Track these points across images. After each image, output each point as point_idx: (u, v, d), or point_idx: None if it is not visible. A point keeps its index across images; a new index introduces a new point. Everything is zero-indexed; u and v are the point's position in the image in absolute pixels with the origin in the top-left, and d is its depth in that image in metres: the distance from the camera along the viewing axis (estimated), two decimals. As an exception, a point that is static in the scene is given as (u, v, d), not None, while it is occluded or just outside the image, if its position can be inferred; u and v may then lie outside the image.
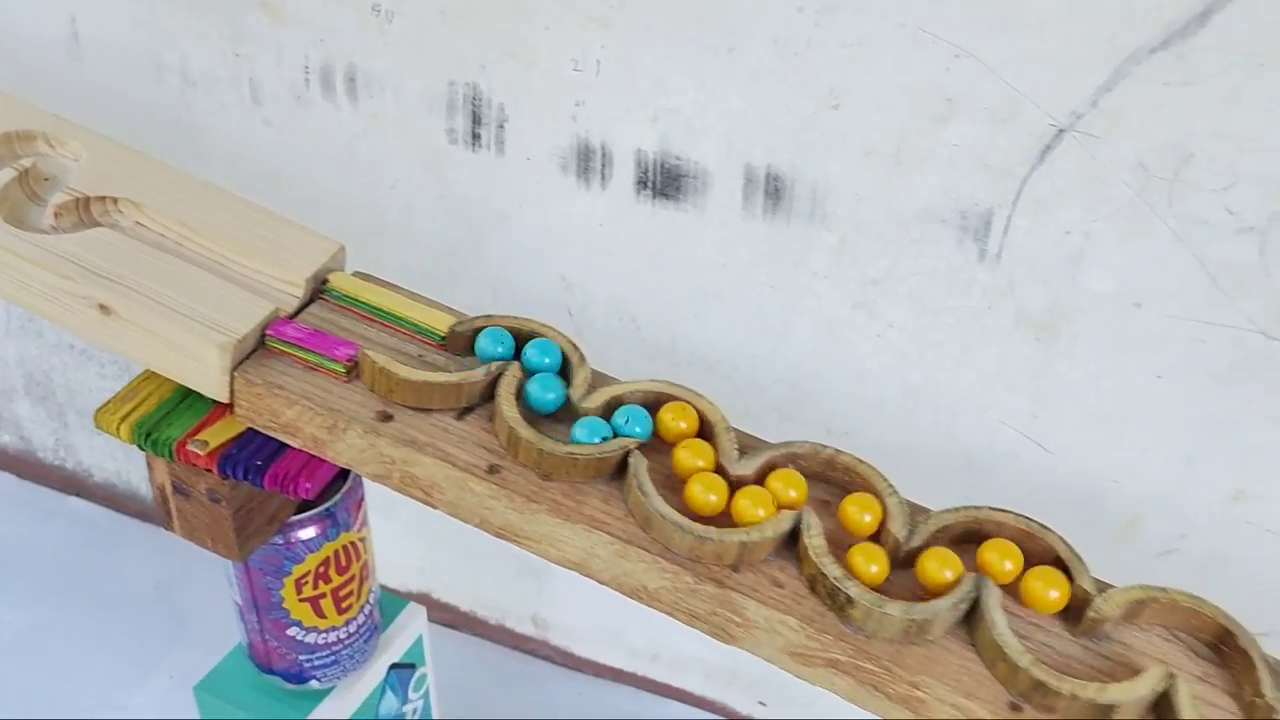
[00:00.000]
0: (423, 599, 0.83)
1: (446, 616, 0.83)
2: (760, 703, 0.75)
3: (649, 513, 0.39)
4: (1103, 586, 0.39)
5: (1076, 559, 0.39)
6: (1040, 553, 0.40)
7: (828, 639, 0.38)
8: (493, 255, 0.62)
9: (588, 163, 0.57)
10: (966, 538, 0.41)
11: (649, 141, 0.55)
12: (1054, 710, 0.36)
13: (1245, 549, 0.54)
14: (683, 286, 0.59)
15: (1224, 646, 0.38)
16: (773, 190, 0.54)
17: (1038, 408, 0.55)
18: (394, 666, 0.59)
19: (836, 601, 0.38)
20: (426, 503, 0.42)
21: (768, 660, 0.40)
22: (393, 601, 0.60)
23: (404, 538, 0.80)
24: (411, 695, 0.61)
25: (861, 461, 0.42)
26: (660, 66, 0.53)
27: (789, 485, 0.40)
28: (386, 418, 0.41)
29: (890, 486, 0.41)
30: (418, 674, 0.61)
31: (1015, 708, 0.36)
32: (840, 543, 0.40)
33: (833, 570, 0.38)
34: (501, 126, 0.58)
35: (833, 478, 0.42)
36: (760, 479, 0.41)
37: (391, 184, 0.62)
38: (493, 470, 0.40)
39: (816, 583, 0.38)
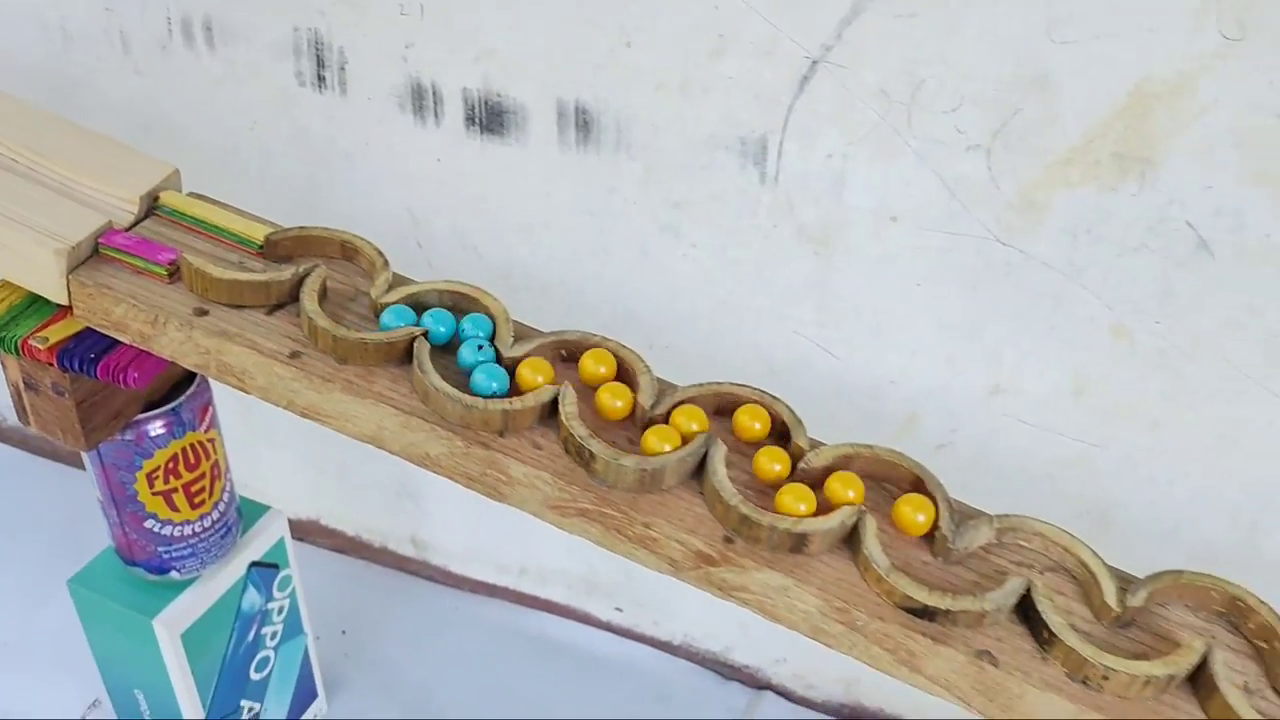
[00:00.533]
0: (312, 526, 0.89)
1: (335, 542, 0.89)
2: (616, 609, 0.81)
3: (426, 388, 0.45)
4: (817, 444, 0.45)
5: (797, 422, 0.46)
6: (772, 419, 0.46)
7: (576, 490, 0.44)
8: (344, 192, 0.68)
9: (421, 102, 0.63)
10: (720, 411, 0.47)
11: (473, 80, 0.61)
12: (759, 540, 0.42)
13: (1005, 439, 0.61)
14: (514, 215, 0.65)
15: (917, 492, 0.45)
16: (583, 124, 0.60)
17: (823, 317, 0.61)
18: (255, 565, 0.65)
19: (583, 458, 0.44)
20: (241, 388, 0.48)
21: (534, 515, 0.46)
22: (254, 507, 0.66)
23: (293, 467, 0.86)
24: (276, 594, 0.67)
25: (625, 347, 0.48)
26: (478, 10, 0.58)
27: (537, 371, 0.46)
28: (202, 313, 0.47)
29: (646, 366, 0.47)
30: (281, 575, 0.67)
31: (728, 540, 0.43)
32: (599, 422, 0.46)
33: (579, 430, 0.44)
34: (343, 69, 0.63)
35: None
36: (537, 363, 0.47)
37: (250, 126, 0.68)
38: (294, 355, 0.46)
39: (569, 444, 0.44)
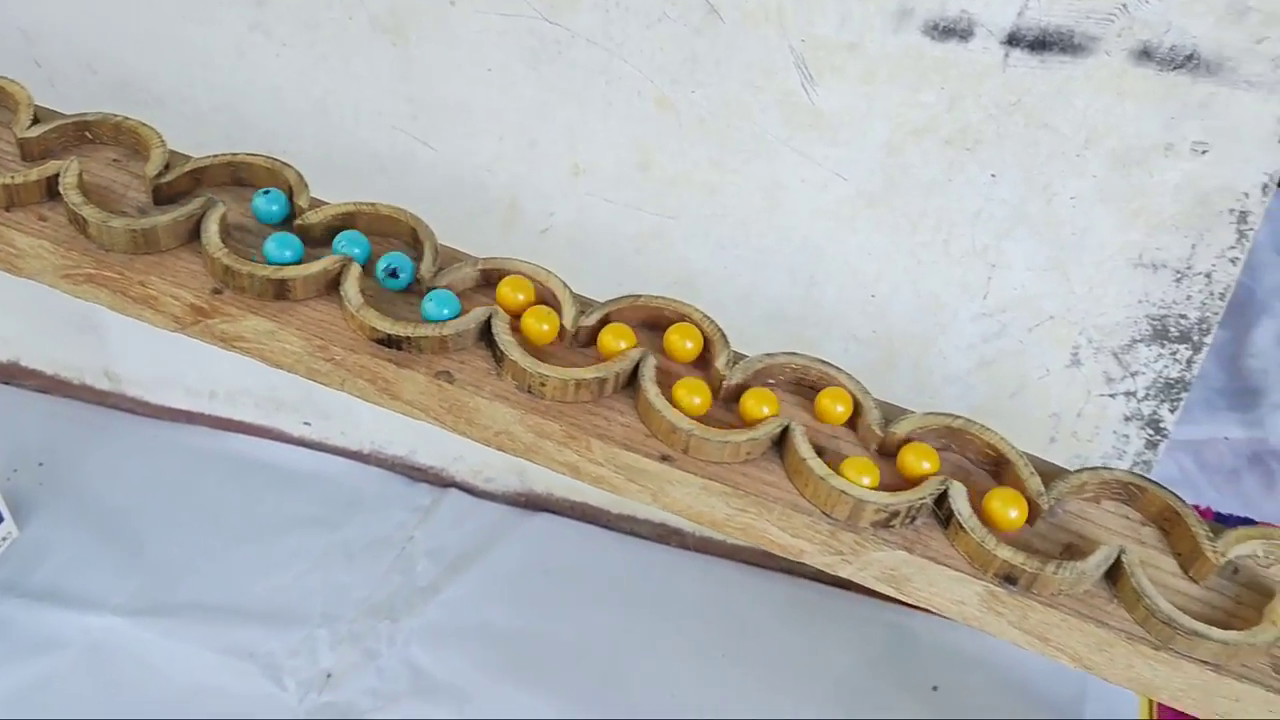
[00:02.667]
0: (14, 368, 0.89)
1: (39, 382, 0.90)
2: (305, 423, 0.84)
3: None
4: (319, 203, 0.48)
5: (301, 183, 0.49)
6: (278, 180, 0.49)
7: (77, 255, 0.46)
8: (-54, 9, 0.67)
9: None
10: (236, 181, 0.50)
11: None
12: (244, 289, 0.45)
13: (594, 218, 0.65)
14: (127, 29, 0.65)
15: (415, 243, 0.48)
16: (155, -77, 0.60)
17: (415, 109, 0.63)
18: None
19: (80, 225, 0.46)
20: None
21: (51, 285, 0.48)
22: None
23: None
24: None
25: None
26: None
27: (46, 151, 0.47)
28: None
29: (160, 140, 0.49)
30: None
31: (217, 291, 0.45)
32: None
33: (74, 199, 0.46)
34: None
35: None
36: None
37: None
38: None
39: (69, 213, 0.46)
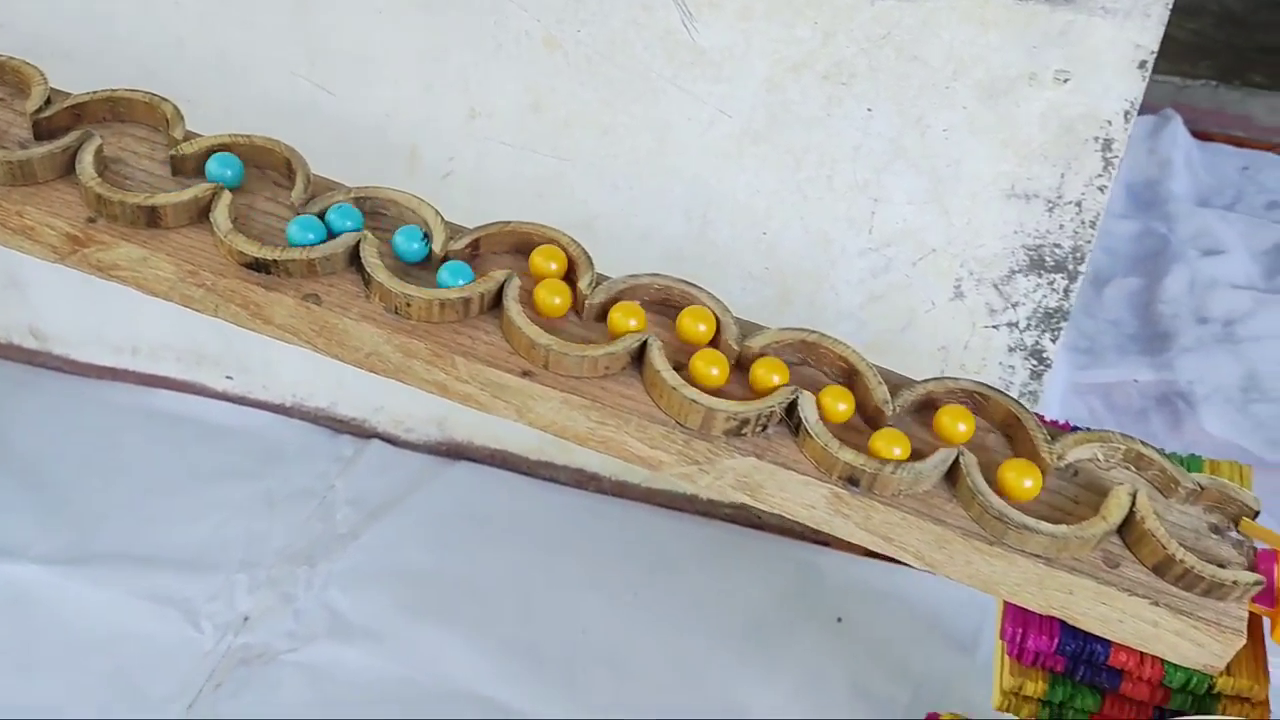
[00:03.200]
0: (-60, 331, 0.90)
1: (-35, 345, 0.90)
2: (227, 377, 0.85)
3: None
4: (191, 135, 0.49)
5: (178, 114, 0.50)
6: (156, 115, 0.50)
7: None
8: None
9: None
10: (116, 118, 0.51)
11: None
12: (117, 218, 0.46)
13: (493, 161, 0.66)
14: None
15: (290, 173, 0.49)
16: None
17: (313, 56, 0.64)
18: None
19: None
20: None
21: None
22: None
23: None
24: None
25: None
26: None
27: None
28: None
29: (42, 77, 0.50)
30: None
31: (91, 220, 0.47)
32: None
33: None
34: None
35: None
36: None
37: None
38: None
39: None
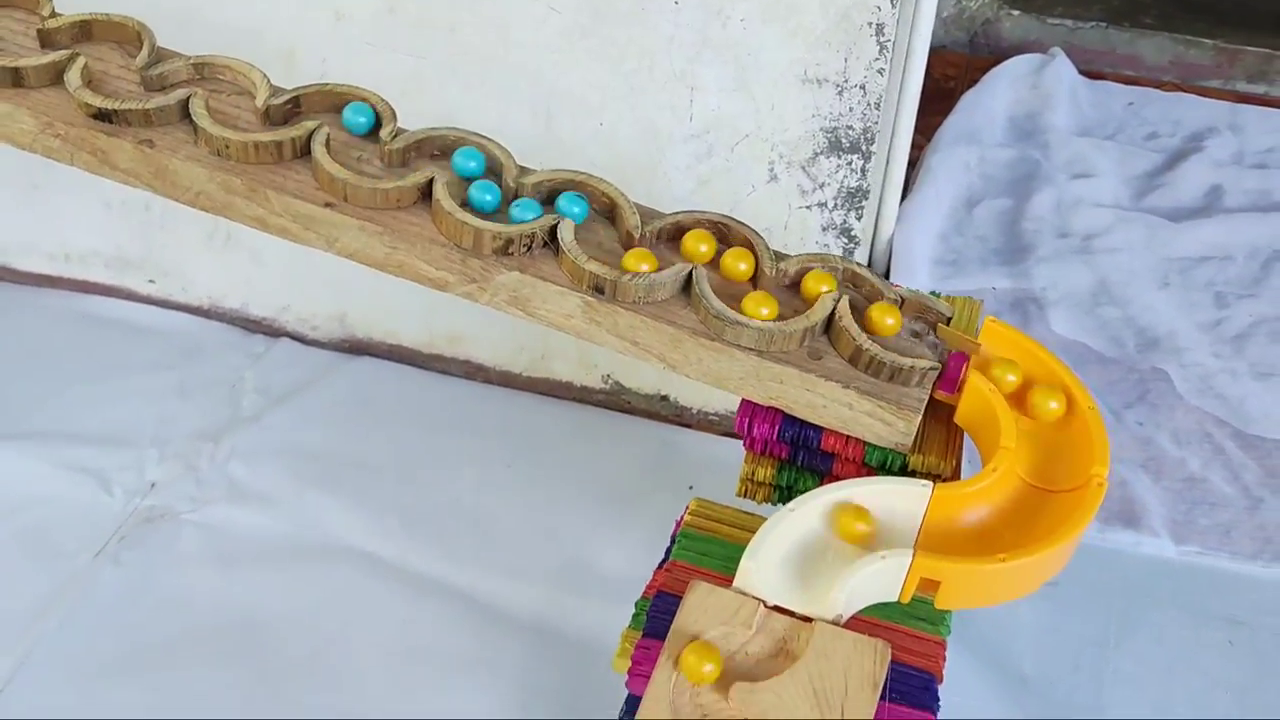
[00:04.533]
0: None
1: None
2: (150, 280, 0.93)
3: None
4: (56, 13, 0.57)
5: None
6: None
7: None
8: None
9: None
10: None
11: None
12: (-14, 78, 0.54)
13: (361, 62, 0.73)
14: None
15: (139, 44, 0.57)
16: None
17: (197, -33, 0.72)
18: None
19: None
20: None
21: None
22: None
23: None
24: None
25: None
26: None
27: None
28: None
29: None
30: None
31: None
32: None
33: None
34: None
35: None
36: None
37: None
38: None
39: None
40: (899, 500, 0.47)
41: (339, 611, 0.74)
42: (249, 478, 0.82)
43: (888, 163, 0.85)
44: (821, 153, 0.69)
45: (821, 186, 0.70)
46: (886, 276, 0.95)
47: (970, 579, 0.45)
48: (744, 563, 0.45)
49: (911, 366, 0.49)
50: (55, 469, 0.81)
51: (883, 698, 0.45)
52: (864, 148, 0.68)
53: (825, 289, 0.51)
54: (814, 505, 0.47)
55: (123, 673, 0.70)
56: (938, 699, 0.47)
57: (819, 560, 0.46)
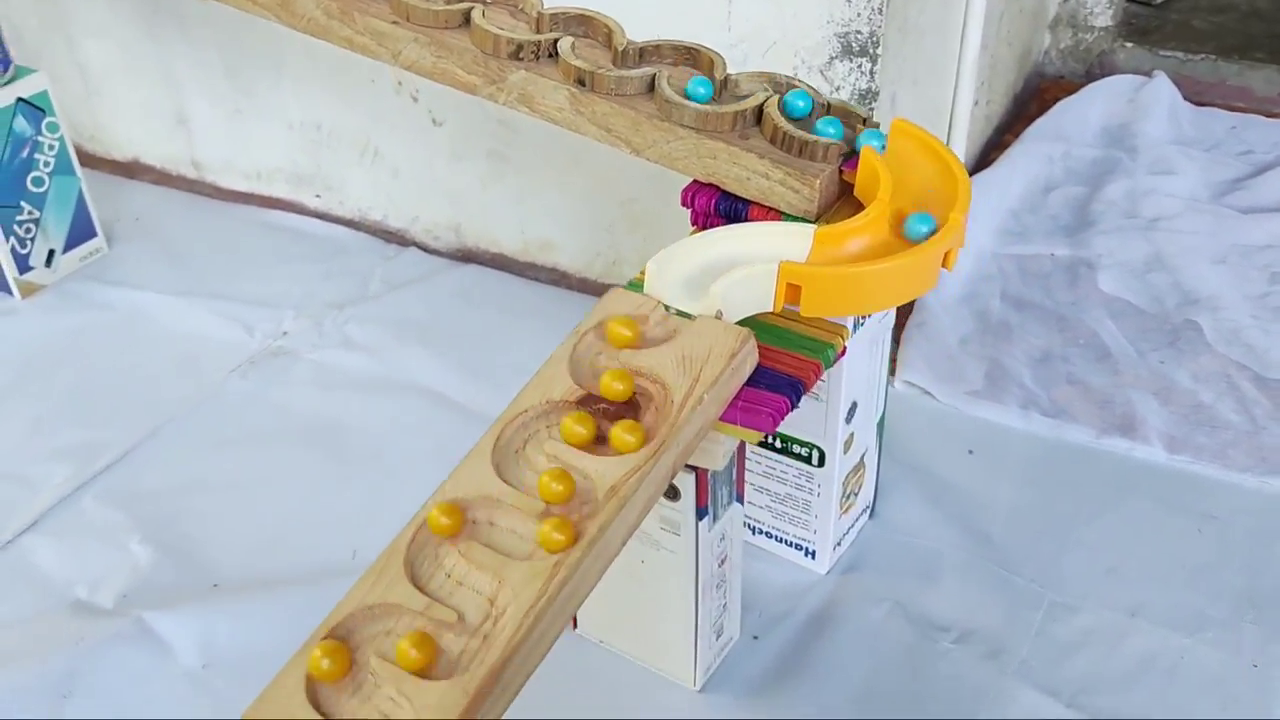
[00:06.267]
0: (133, 165, 1.23)
1: (150, 176, 1.23)
2: (316, 195, 1.13)
3: None
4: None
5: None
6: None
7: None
8: None
9: None
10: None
11: None
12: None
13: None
14: None
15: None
16: None
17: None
18: (22, 100, 0.99)
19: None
20: None
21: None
22: (25, 69, 1.00)
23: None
24: (45, 134, 1.01)
25: None
26: None
27: None
28: None
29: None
30: (48, 120, 1.01)
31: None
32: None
33: None
34: None
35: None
36: None
37: None
38: None
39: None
40: (788, 239, 0.57)
41: (404, 427, 0.88)
42: (360, 335, 0.98)
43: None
44: (836, 57, 0.80)
45: (837, 89, 0.82)
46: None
47: (829, 284, 0.54)
48: (650, 268, 0.57)
49: (817, 141, 0.59)
50: (213, 316, 1.00)
51: (751, 384, 0.55)
52: (871, 51, 0.79)
53: (763, 89, 0.62)
54: (715, 235, 0.57)
55: (234, 448, 0.86)
56: (799, 394, 0.56)
57: (710, 278, 0.57)
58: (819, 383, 0.65)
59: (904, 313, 0.96)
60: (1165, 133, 1.21)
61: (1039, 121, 1.20)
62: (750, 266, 0.55)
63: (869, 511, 0.77)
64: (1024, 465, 0.82)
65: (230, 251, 1.11)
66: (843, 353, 0.61)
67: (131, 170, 1.23)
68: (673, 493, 0.59)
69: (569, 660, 0.69)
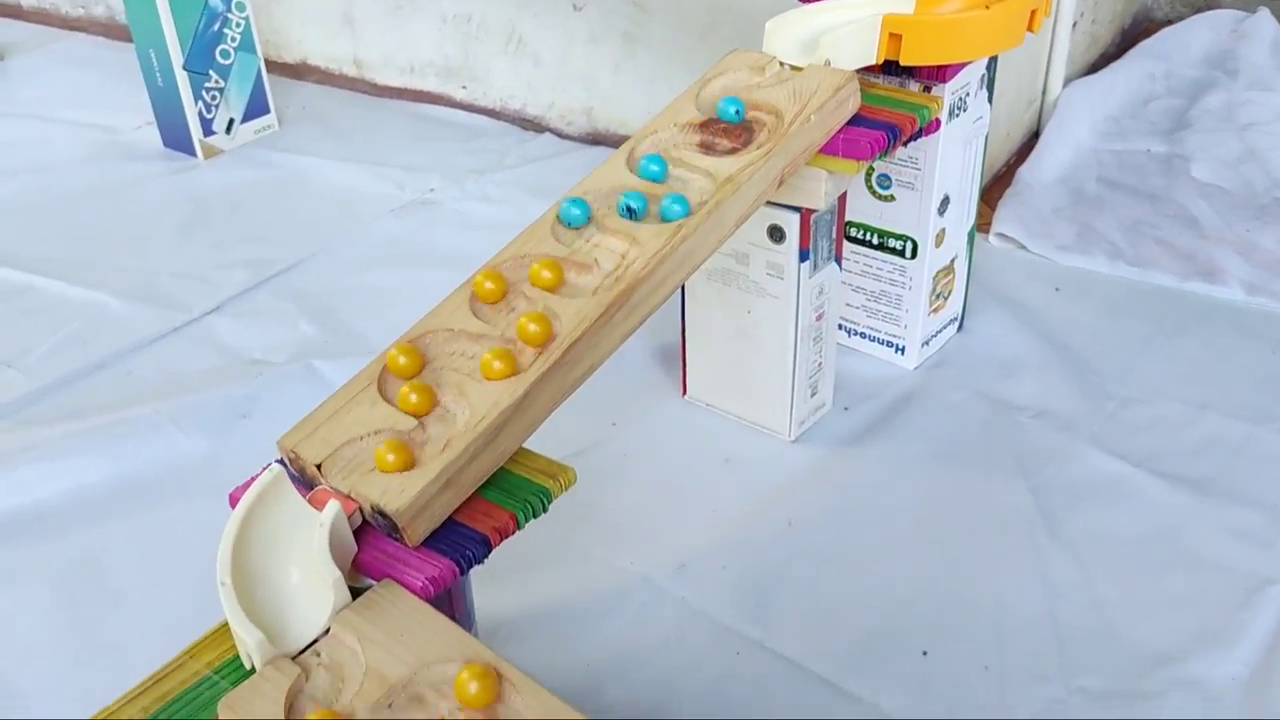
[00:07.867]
0: (301, 66, 1.37)
1: (315, 76, 1.36)
2: (463, 86, 1.25)
3: None
4: None
5: None
6: None
7: None
8: None
9: None
10: None
11: None
12: None
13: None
14: None
15: None
16: None
17: None
18: None
19: None
20: None
21: None
22: (223, -49, 1.14)
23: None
24: (235, 13, 1.15)
25: None
26: None
27: None
28: None
29: None
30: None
31: None
32: None
33: None
34: None
35: None
36: None
37: None
38: None
39: None
40: (894, 4, 0.65)
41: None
42: (497, 193, 1.09)
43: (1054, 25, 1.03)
44: None
45: None
46: (1036, 135, 1.10)
47: (926, 30, 0.62)
48: (768, 27, 0.65)
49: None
50: (370, 176, 1.12)
51: (852, 125, 0.63)
52: None
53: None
54: (828, 3, 0.66)
55: (385, 267, 0.98)
56: (896, 136, 0.63)
57: (821, 41, 0.65)
58: (914, 173, 0.73)
59: (1000, 186, 1.03)
60: (1266, 60, 1.25)
61: (1143, 43, 1.25)
62: (857, 18, 0.63)
63: (957, 325, 0.84)
64: (1108, 300, 0.88)
65: (385, 133, 1.23)
66: (936, 125, 0.69)
67: (299, 71, 1.37)
68: (778, 235, 0.67)
69: (679, 419, 0.77)
